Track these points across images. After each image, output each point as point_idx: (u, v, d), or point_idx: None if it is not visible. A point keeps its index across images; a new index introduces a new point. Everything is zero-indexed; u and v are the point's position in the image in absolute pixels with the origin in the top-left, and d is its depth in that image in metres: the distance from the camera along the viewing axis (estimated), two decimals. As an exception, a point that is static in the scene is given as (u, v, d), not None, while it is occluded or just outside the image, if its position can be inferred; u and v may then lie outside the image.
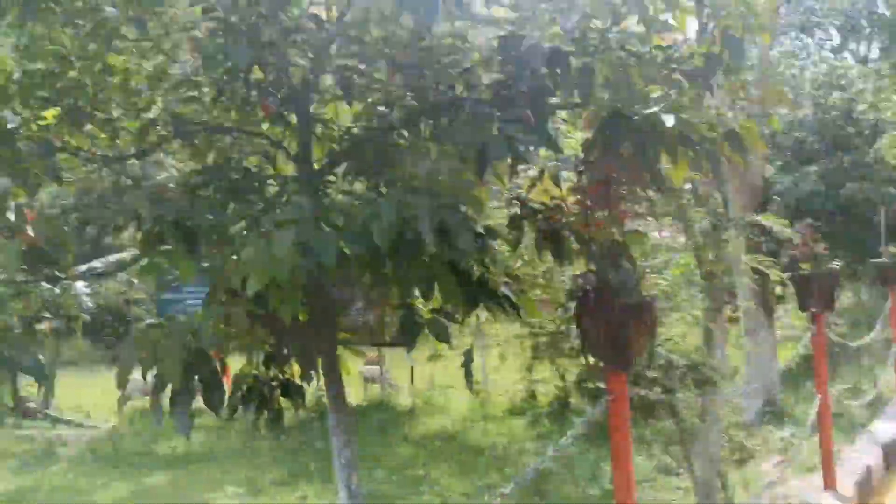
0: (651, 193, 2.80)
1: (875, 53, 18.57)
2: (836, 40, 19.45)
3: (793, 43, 18.94)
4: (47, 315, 9.32)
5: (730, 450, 5.94)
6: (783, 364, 9.29)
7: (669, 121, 2.25)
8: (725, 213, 5.45)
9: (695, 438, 4.15)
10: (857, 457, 4.93)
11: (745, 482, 5.35)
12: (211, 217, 2.20)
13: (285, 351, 2.40)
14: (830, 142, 14.67)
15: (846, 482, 4.87)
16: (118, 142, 2.71)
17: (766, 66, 8.95)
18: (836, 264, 4.21)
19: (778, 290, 10.24)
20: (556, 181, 2.55)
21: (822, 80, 15.31)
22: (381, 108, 2.55)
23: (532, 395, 8.83)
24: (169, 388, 2.13)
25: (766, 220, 5.17)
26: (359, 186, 2.58)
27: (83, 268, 3.98)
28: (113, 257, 5.09)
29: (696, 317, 4.61)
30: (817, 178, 13.95)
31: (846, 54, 19.26)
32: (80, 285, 8.35)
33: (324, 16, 2.47)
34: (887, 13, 17.09)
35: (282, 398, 2.55)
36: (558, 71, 2.25)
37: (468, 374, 8.87)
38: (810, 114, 14.80)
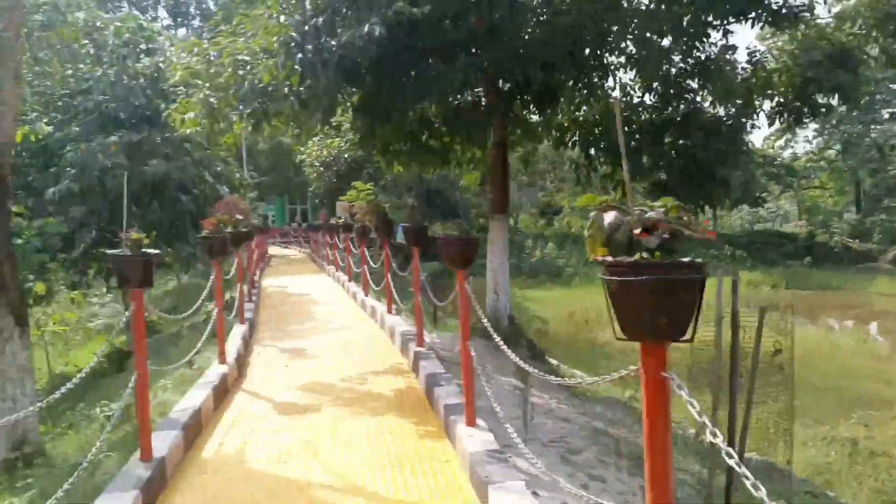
0: None
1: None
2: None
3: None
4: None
5: None
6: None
7: None
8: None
9: None
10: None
11: None
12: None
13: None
14: (136, 111, 13.46)
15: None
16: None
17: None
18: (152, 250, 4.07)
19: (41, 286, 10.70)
20: None
21: (129, 39, 14.04)
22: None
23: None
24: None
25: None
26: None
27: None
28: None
29: None
30: (118, 149, 12.67)
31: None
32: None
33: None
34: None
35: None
36: None
37: None
38: (113, 76, 13.32)
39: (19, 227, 11.04)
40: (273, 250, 29.98)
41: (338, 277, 15.89)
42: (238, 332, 8.37)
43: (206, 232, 6.52)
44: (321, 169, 21.37)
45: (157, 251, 3.98)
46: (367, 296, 11.69)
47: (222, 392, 5.93)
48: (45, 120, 12.94)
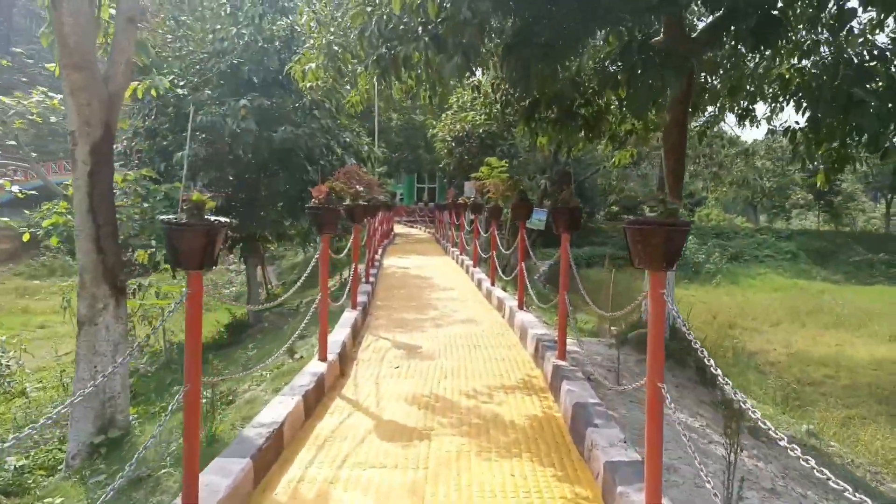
0: None
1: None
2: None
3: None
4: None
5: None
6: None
7: None
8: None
9: None
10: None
11: None
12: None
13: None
14: (269, 75, 12.48)
15: None
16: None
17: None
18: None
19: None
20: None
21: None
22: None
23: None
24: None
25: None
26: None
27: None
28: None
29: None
30: (248, 114, 11.60)
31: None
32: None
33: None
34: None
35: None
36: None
37: None
38: (248, 37, 12.32)
39: (146, 191, 10.84)
40: (398, 229, 29.62)
41: (461, 261, 14.75)
42: (347, 319, 7.37)
43: (315, 201, 5.45)
44: (452, 145, 20.25)
45: (224, 219, 2.85)
46: (493, 285, 10.38)
47: (316, 398, 4.85)
48: (182, 83, 12.75)
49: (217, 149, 12.00)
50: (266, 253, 18.21)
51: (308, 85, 6.74)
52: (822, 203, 44.99)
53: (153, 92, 7.87)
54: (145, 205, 10.81)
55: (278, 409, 4.18)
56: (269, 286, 17.93)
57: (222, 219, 2.82)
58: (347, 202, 8.04)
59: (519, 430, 4.41)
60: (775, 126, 10.54)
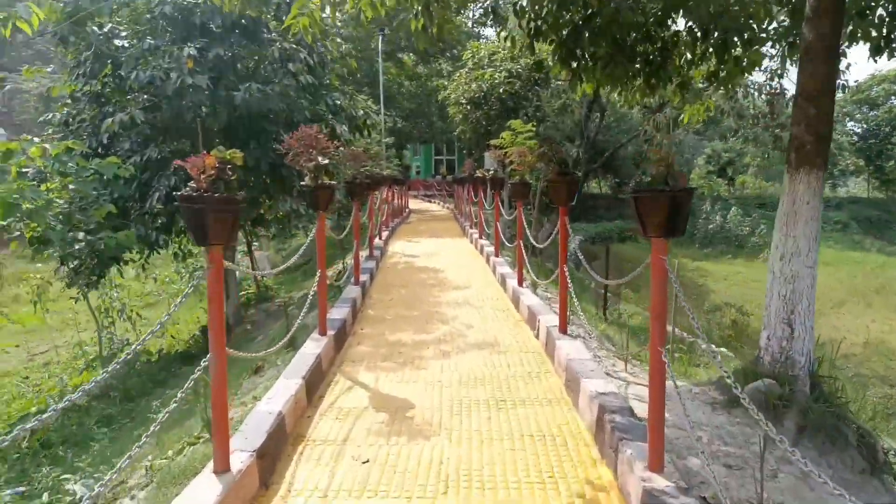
0: None
1: None
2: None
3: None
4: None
5: None
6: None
7: None
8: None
9: None
10: None
11: None
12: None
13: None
14: (229, 20, 9.85)
15: None
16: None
17: None
18: None
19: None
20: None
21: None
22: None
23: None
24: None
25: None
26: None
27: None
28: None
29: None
30: (196, 67, 9.14)
31: None
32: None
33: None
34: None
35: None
36: None
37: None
38: None
39: (73, 168, 8.47)
40: (414, 204, 27.16)
41: (481, 247, 12.22)
42: (304, 360, 4.87)
43: (191, 187, 2.92)
44: (468, 108, 17.51)
45: None
46: (521, 284, 7.87)
47: None
48: (125, 33, 10.29)
49: (174, 113, 9.54)
50: (264, 233, 15.89)
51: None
52: (873, 169, 41.52)
53: (24, 26, 5.43)
54: (72, 187, 8.44)
55: None
56: (260, 277, 15.59)
57: None
58: (306, 181, 5.55)
59: None
60: (846, 80, 8.05)
